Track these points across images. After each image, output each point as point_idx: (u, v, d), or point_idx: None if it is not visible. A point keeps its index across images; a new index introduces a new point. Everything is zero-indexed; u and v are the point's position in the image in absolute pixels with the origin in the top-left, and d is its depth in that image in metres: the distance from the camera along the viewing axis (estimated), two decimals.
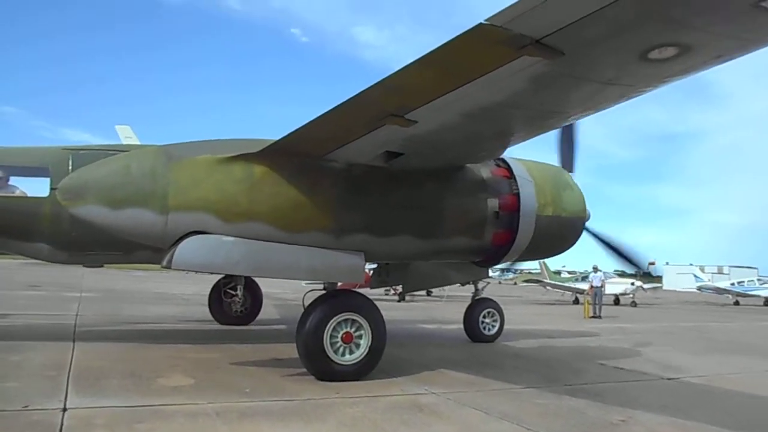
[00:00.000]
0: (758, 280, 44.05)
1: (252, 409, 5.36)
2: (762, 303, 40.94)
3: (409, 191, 7.26)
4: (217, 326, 11.92)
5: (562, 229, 8.50)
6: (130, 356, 7.83)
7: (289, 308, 15.82)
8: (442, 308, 20.38)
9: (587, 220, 8.83)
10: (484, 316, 11.51)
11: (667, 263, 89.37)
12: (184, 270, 6.48)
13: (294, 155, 6.60)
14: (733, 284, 43.73)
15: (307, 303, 7.16)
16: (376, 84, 4.58)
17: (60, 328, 10.33)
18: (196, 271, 6.99)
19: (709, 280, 50.46)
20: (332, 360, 6.76)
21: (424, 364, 8.37)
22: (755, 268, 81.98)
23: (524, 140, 6.39)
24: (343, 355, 6.84)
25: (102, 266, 9.80)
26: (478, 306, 11.57)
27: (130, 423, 4.69)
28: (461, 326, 11.64)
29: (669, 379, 8.21)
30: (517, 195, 7.92)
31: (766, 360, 10.79)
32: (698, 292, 46.68)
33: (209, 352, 8.61)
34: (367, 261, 7.31)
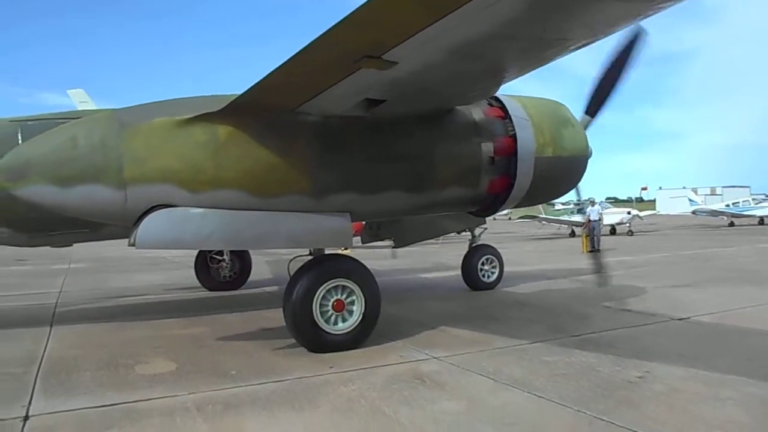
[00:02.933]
0: (753, 199, 43.91)
1: (237, 397, 4.87)
2: (757, 222, 40.97)
3: (395, 141, 6.58)
4: (205, 293, 11.45)
5: (564, 171, 7.85)
6: (109, 339, 7.32)
7: (282, 266, 15.29)
8: (437, 253, 19.98)
9: (589, 157, 8.16)
10: (483, 264, 11.07)
11: (660, 188, 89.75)
12: (150, 249, 5.88)
13: (262, 111, 5.89)
14: (727, 205, 43.59)
15: (293, 270, 6.61)
16: (343, 20, 3.83)
17: (38, 311, 9.80)
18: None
19: (702, 203, 50.32)
20: (323, 330, 6.27)
21: (423, 321, 7.93)
22: (747, 186, 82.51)
23: (518, 76, 5.69)
24: (335, 324, 6.35)
25: (71, 245, 9.17)
26: (476, 253, 11.10)
27: (98, 430, 4.18)
28: (459, 273, 11.20)
29: (679, 319, 7.81)
30: (514, 137, 7.24)
31: None
32: (693, 215, 46.61)
33: (195, 325, 8.11)
34: (353, 221, 6.70)
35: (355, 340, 6.42)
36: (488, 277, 11.11)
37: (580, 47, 4.72)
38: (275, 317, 8.02)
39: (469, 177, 7.09)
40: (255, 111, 5.87)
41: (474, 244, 11.31)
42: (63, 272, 16.59)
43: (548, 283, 11.98)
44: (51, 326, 8.19)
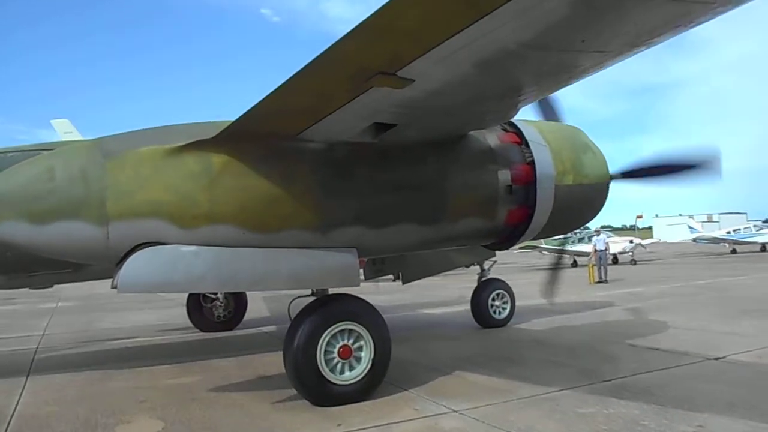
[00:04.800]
0: (754, 226, 43.57)
1: None
2: (759, 249, 40.52)
3: (406, 170, 6.00)
4: (198, 335, 10.74)
5: (585, 199, 7.27)
6: (91, 391, 6.60)
7: (280, 302, 14.59)
8: (440, 285, 19.30)
9: (610, 183, 7.56)
10: (494, 299, 10.45)
11: (657, 215, 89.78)
12: (135, 293, 5.26)
13: (260, 138, 5.33)
14: (728, 232, 43.20)
15: (294, 312, 5.97)
16: (354, 29, 3.29)
17: (16, 358, 9.07)
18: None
19: (701, 230, 49.97)
20: (329, 381, 5.60)
21: (435, 366, 7.26)
22: (744, 213, 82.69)
23: (540, 97, 5.17)
24: (341, 373, 5.69)
25: (52, 287, 8.51)
26: (486, 288, 10.48)
27: None
28: (466, 307, 10.55)
29: (716, 359, 7.17)
30: (532, 163, 6.68)
31: None
32: (693, 243, 46.19)
33: (186, 374, 7.40)
34: (361, 257, 6.08)
35: (364, 390, 5.75)
36: (499, 313, 10.47)
37: (611, 62, 4.20)
38: (274, 362, 7.37)
39: (486, 207, 6.50)
40: (253, 138, 5.31)
41: (483, 278, 10.69)
42: (50, 312, 15.84)
43: (562, 319, 11.32)
44: (27, 376, 7.48)
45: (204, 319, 10.89)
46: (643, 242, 34.71)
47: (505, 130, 6.91)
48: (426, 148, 6.03)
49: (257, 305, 13.99)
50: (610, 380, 6.29)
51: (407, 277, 9.92)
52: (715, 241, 42.76)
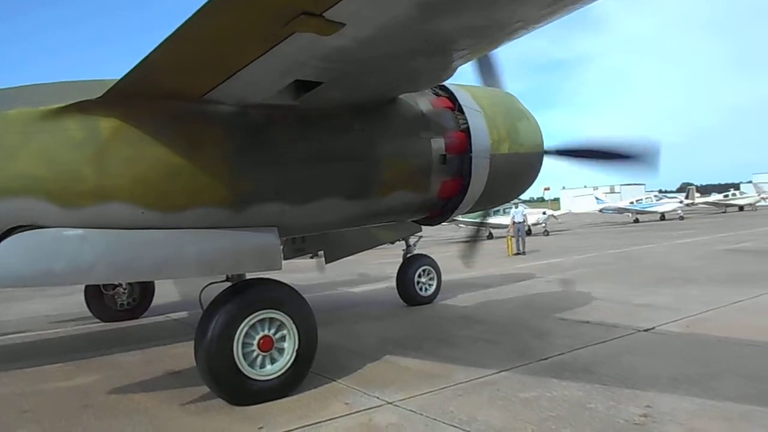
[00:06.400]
0: (655, 196, 46.21)
1: None
2: (659, 218, 43.01)
3: (331, 138, 5.35)
4: (98, 325, 9.65)
5: (521, 169, 6.90)
6: None
7: (193, 284, 13.54)
8: (357, 261, 18.75)
9: (544, 153, 7.22)
10: (420, 275, 10.05)
11: (564, 187, 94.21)
12: (8, 288, 4.37)
13: (159, 98, 4.50)
14: (632, 203, 45.65)
15: (206, 301, 5.23)
16: None
17: None
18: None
19: (607, 201, 52.54)
20: (247, 376, 4.95)
21: (363, 351, 6.77)
22: (643, 184, 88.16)
23: (478, 54, 4.65)
24: (262, 367, 5.06)
25: None
26: (412, 264, 10.05)
27: None
28: (387, 284, 10.10)
29: (645, 330, 7.12)
30: (467, 131, 6.20)
31: (719, 288, 10.09)
32: (598, 213, 48.45)
33: (82, 373, 6.47)
34: (282, 236, 5.41)
35: (288, 385, 5.15)
36: (426, 290, 10.10)
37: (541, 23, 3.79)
38: (184, 354, 6.61)
39: (419, 179, 5.97)
40: (149, 98, 4.48)
41: (409, 255, 10.26)
42: None
43: (487, 293, 11.13)
44: None
45: (105, 308, 9.76)
46: (555, 213, 35.81)
47: (436, 94, 6.38)
48: (353, 112, 5.40)
49: (166, 289, 12.87)
50: (547, 359, 6.04)
51: (330, 255, 9.30)
52: (620, 211, 45.05)
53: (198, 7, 3.17)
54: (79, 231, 4.39)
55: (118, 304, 9.82)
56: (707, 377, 5.12)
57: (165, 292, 12.09)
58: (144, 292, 10.11)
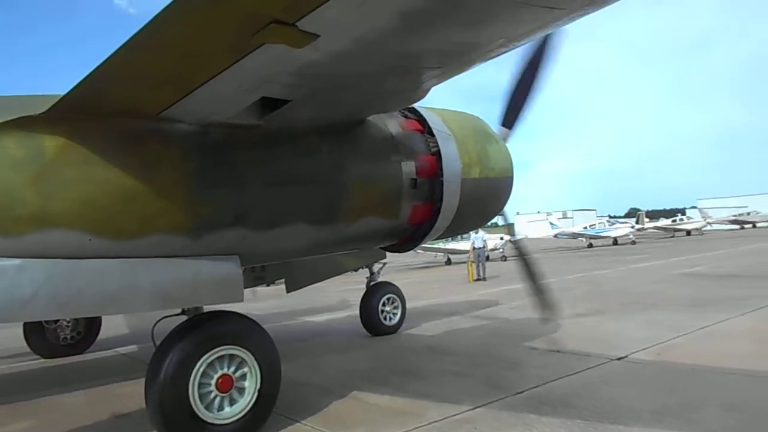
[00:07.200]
0: (608, 221, 47.37)
1: None
2: (611, 243, 44.00)
3: (296, 160, 5.02)
4: (38, 362, 8.92)
5: (492, 194, 6.71)
6: None
7: (143, 316, 12.85)
8: (317, 288, 18.25)
9: (513, 177, 7.07)
10: (384, 304, 9.73)
11: (518, 213, 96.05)
12: None
13: (109, 115, 4.10)
14: (585, 228, 46.66)
15: (159, 338, 4.78)
16: None
17: None
18: None
19: (561, 226, 53.51)
20: (204, 420, 4.52)
21: (329, 386, 6.39)
22: (593, 209, 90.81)
23: (449, 76, 4.43)
24: (220, 409, 4.63)
25: None
26: (376, 292, 9.73)
27: None
28: (349, 313, 9.73)
29: (618, 359, 6.96)
30: (437, 154, 5.98)
31: (682, 314, 10.09)
32: (553, 238, 49.23)
33: (15, 419, 5.84)
34: (244, 264, 5.02)
35: (248, 429, 4.72)
36: (390, 319, 9.77)
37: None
38: (133, 394, 6.09)
39: (388, 204, 5.69)
40: (99, 115, 4.07)
41: (372, 282, 9.93)
42: None
43: (452, 321, 10.88)
44: None
45: (46, 343, 9.04)
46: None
47: (405, 116, 6.15)
48: (320, 133, 5.10)
49: (115, 321, 12.11)
50: (522, 392, 5.77)
51: (292, 284, 8.87)
52: (575, 236, 45.91)
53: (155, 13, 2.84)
54: (17, 261, 3.92)
55: (61, 338, 9.13)
56: (687, 409, 4.95)
57: (113, 324, 11.37)
58: (90, 324, 9.44)
